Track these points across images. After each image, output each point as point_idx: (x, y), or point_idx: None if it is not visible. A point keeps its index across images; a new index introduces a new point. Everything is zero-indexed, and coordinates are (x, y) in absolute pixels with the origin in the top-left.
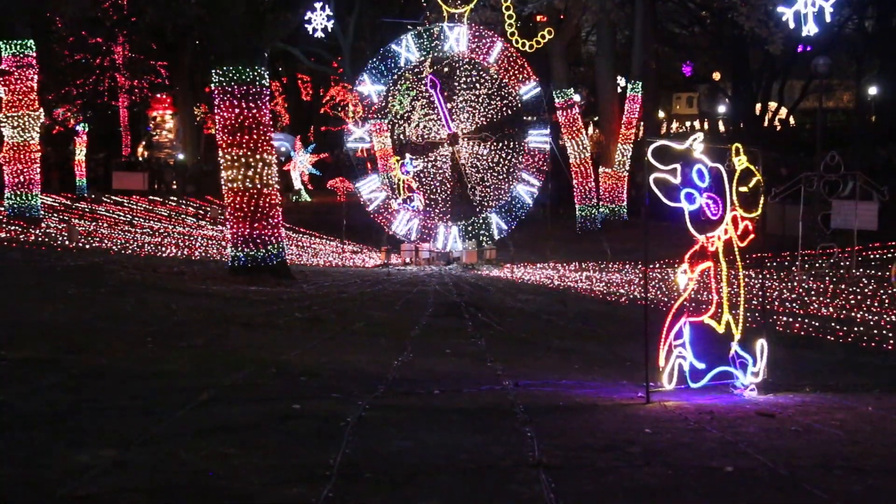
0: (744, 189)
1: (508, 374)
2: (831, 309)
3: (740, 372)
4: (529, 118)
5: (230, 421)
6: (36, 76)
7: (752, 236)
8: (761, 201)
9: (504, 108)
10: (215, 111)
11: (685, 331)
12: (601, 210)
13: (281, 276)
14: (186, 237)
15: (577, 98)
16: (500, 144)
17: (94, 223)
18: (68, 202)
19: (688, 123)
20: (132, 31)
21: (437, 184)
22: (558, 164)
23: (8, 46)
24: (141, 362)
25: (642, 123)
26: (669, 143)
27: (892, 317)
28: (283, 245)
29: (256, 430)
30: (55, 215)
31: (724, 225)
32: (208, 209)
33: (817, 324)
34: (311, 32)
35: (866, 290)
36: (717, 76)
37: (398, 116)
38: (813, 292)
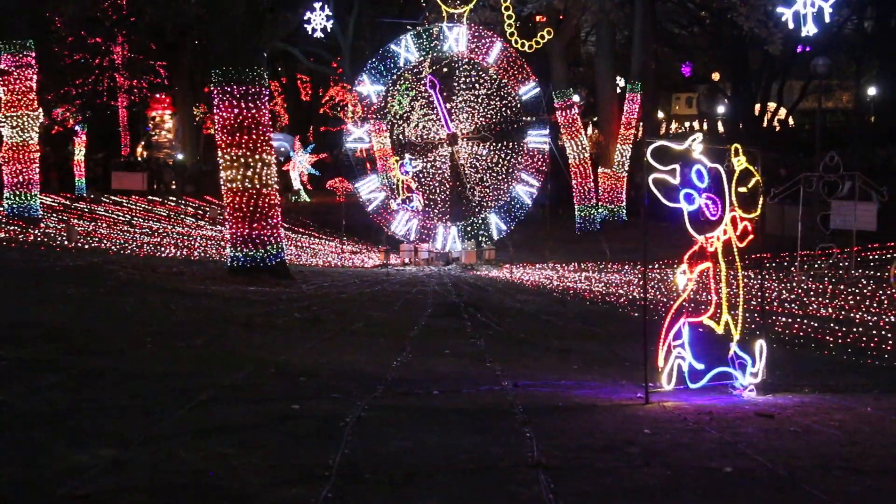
0: (743, 189)
1: (507, 374)
2: (830, 309)
3: (739, 372)
4: (529, 118)
5: (229, 421)
6: (35, 76)
7: (751, 237)
8: (760, 202)
9: (503, 109)
10: (214, 111)
11: (684, 331)
12: (600, 210)
13: (280, 277)
14: (185, 237)
15: (576, 98)
16: (500, 145)
17: (93, 223)
18: (67, 202)
19: (687, 124)
20: (131, 30)
21: (437, 184)
22: (557, 165)
23: (7, 46)
24: (140, 362)
25: (641, 124)
26: (669, 144)
27: (891, 317)
28: (283, 245)
29: (256, 431)
30: (54, 215)
31: (724, 225)
32: (207, 209)
33: (816, 324)
34: (310, 32)
35: (865, 291)
36: (716, 76)
37: (397, 116)
38: (812, 293)
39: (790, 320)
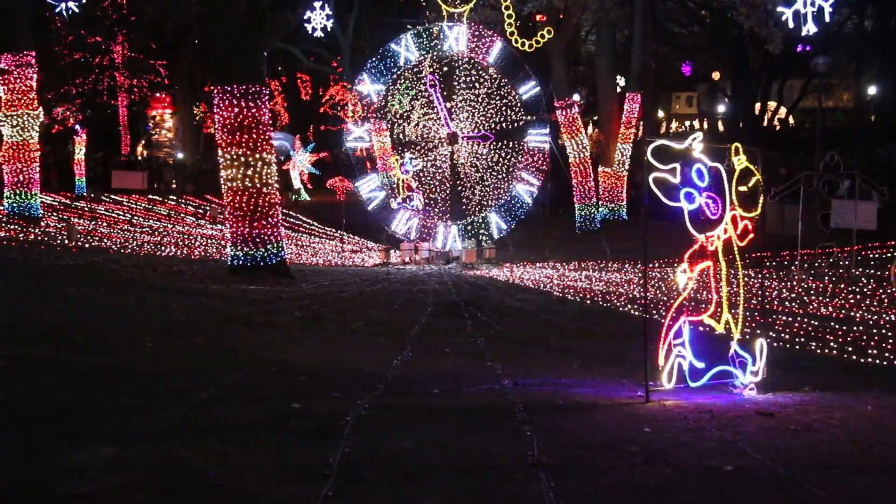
0: (743, 188)
1: (508, 373)
2: (830, 308)
3: (740, 371)
4: (529, 117)
5: (230, 420)
6: (35, 75)
7: (751, 236)
8: (761, 201)
9: (504, 108)
10: (214, 110)
11: (685, 330)
12: (600, 209)
13: (280, 276)
14: (186, 236)
15: (576, 97)
16: (500, 144)
17: (93, 222)
18: (67, 201)
19: (687, 123)
20: (131, 30)
21: (437, 183)
22: (558, 164)
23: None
24: (140, 361)
25: (642, 123)
26: (669, 143)
27: (892, 316)
28: (283, 244)
29: (256, 430)
30: (54, 214)
31: (724, 224)
32: (208, 208)
33: (816, 323)
34: (310, 31)
35: (865, 290)
36: (716, 75)
37: (397, 116)
38: (812, 292)
39: (790, 319)
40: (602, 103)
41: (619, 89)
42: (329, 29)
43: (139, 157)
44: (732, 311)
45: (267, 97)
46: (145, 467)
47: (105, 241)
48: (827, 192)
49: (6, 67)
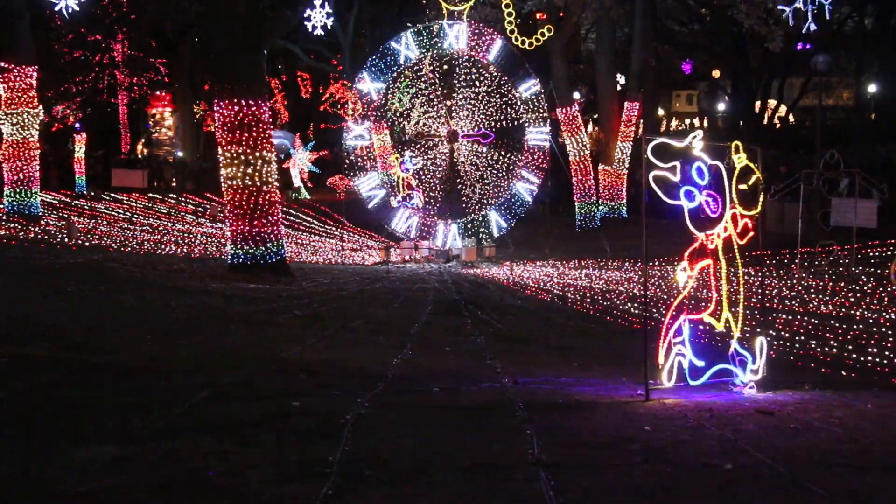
0: (743, 187)
1: (508, 371)
2: (830, 307)
3: (740, 369)
4: (529, 116)
5: (230, 418)
6: (35, 73)
7: (751, 234)
8: (761, 199)
9: (504, 106)
10: (215, 108)
11: (685, 328)
12: (600, 208)
13: (280, 274)
14: (186, 235)
15: (576, 96)
16: (500, 142)
17: (93, 221)
18: (68, 200)
19: (687, 121)
20: (132, 28)
21: (437, 181)
22: (558, 162)
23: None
24: (140, 360)
25: (642, 121)
26: (669, 141)
27: (892, 314)
28: (283, 242)
29: (256, 428)
30: (54, 213)
31: (724, 223)
32: (208, 207)
33: (816, 321)
34: (310, 30)
35: (866, 288)
36: (716, 74)
37: (398, 114)
38: (812, 290)
39: (790, 317)
40: (602, 101)
41: (619, 87)
42: (329, 27)
43: (139, 156)
44: (732, 309)
45: (267, 95)
46: (145, 466)
47: (105, 239)
48: (827, 190)
49: (6, 66)
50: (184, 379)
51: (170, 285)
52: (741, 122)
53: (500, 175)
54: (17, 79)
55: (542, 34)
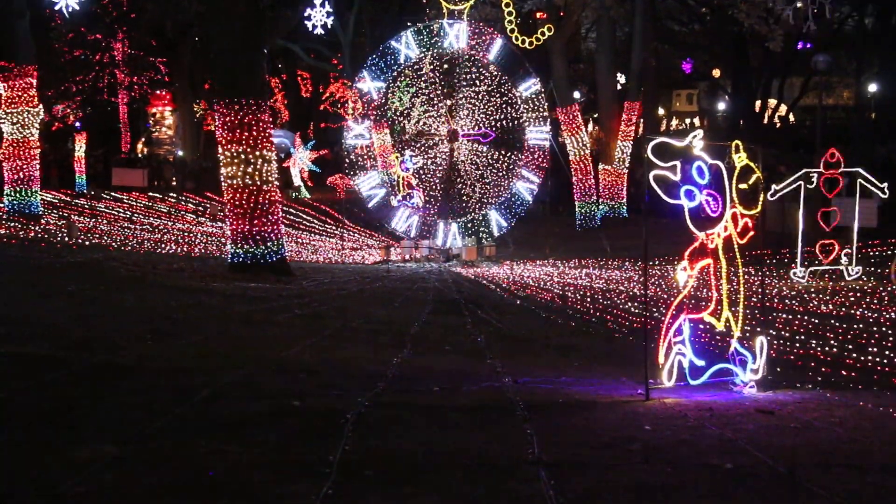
0: (743, 186)
1: (508, 370)
2: (831, 306)
3: (740, 369)
4: (529, 115)
5: (230, 418)
6: (35, 72)
7: (751, 233)
8: (761, 198)
9: (504, 105)
10: (215, 108)
11: (685, 328)
12: (601, 207)
13: (281, 273)
14: (186, 234)
15: (576, 95)
16: (500, 141)
17: (93, 220)
18: (68, 199)
19: (687, 120)
20: (132, 27)
21: (437, 181)
22: (558, 161)
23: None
24: (141, 359)
25: (642, 120)
26: (669, 140)
27: (892, 314)
28: (283, 242)
29: (256, 427)
30: (55, 212)
31: (724, 222)
32: (208, 206)
33: (817, 321)
34: (310, 29)
35: (866, 288)
36: (716, 73)
37: (398, 113)
38: (812, 289)
39: (791, 317)
40: (602, 101)
41: (619, 87)
42: (329, 26)
43: (139, 155)
44: (733, 308)
45: (267, 94)
46: (146, 466)
47: (105, 238)
48: (827, 189)
49: (6, 65)
50: (184, 378)
51: (170, 285)
52: (741, 122)
53: (501, 174)
54: (17, 78)
55: (543, 34)
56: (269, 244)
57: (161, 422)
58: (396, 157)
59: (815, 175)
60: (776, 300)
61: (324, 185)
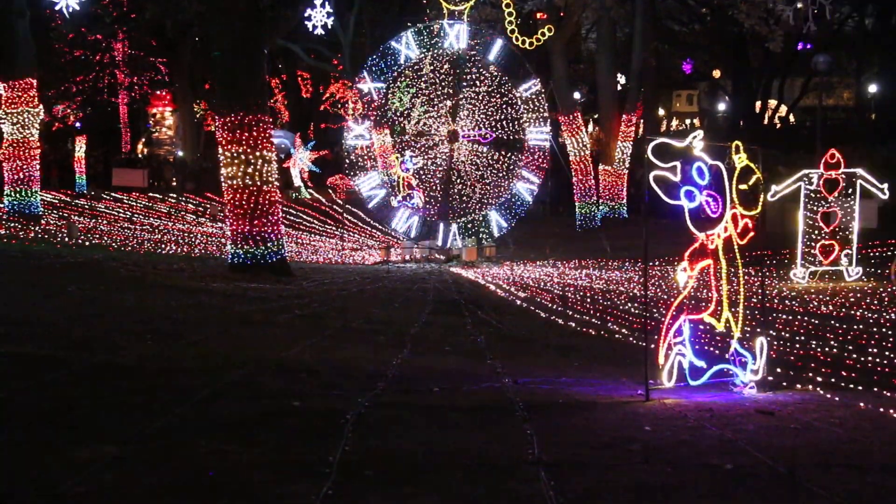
0: (743, 187)
1: (508, 371)
2: (831, 307)
3: (740, 370)
4: (529, 115)
5: (230, 417)
6: (35, 73)
7: (751, 234)
8: (761, 199)
9: (504, 106)
10: (215, 108)
11: (685, 328)
12: (601, 207)
13: (281, 274)
14: (186, 234)
15: (576, 95)
16: (500, 142)
17: (93, 220)
18: (68, 199)
19: (688, 121)
20: (132, 27)
21: (437, 181)
22: (558, 162)
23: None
24: (141, 359)
25: (642, 121)
26: (669, 141)
27: (892, 315)
28: (283, 242)
29: (256, 427)
30: (55, 212)
31: (724, 223)
32: (208, 206)
33: (817, 321)
34: (310, 29)
35: (866, 288)
36: (717, 74)
37: (398, 113)
38: (812, 290)
39: (791, 317)
40: (603, 101)
41: (619, 87)
42: (329, 26)
43: (139, 155)
44: (733, 309)
45: (267, 95)
46: (145, 465)
47: (105, 238)
48: (827, 190)
49: (6, 65)
50: (184, 378)
51: (170, 285)
52: (741, 122)
53: (501, 175)
54: (18, 78)
55: (543, 34)
56: (269, 244)
57: (161, 422)
58: (396, 158)
59: (815, 176)
60: (776, 301)
61: (324, 186)
